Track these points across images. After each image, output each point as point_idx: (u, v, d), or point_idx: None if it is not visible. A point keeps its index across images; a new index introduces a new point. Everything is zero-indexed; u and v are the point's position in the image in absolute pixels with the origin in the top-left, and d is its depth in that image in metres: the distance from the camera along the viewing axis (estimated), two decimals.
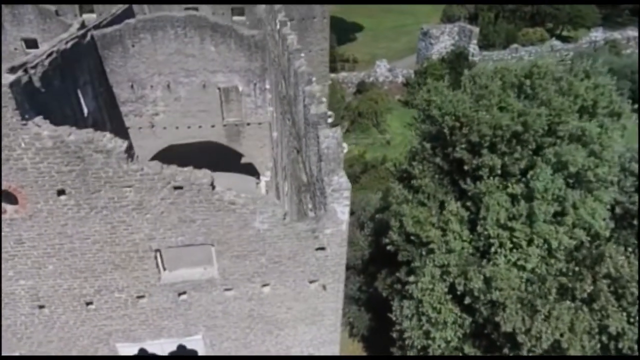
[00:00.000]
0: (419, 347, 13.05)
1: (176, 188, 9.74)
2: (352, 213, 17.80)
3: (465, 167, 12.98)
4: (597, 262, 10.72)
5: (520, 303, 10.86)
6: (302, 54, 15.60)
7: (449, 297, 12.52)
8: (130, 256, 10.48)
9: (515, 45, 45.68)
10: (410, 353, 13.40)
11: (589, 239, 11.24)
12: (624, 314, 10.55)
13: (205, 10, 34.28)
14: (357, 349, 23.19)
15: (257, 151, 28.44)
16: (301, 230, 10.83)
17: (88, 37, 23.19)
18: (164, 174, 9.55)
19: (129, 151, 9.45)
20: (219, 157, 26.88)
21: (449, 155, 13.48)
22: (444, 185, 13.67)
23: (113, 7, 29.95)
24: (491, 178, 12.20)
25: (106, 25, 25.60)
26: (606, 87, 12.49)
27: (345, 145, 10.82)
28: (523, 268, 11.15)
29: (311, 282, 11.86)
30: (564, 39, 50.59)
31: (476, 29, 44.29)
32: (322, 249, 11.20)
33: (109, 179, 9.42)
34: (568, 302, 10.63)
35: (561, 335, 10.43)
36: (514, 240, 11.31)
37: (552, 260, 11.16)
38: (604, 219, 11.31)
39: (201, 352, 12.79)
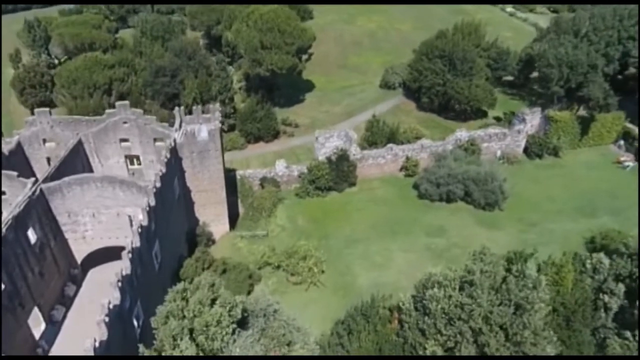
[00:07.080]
0: None
1: None
2: None
3: None
4: None
5: None
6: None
7: None
8: None
9: (390, 145, 57.78)
10: None
11: None
12: None
13: (134, 137, 48.56)
14: None
15: None
16: None
17: (37, 191, 37.74)
18: None
19: None
20: None
21: None
22: None
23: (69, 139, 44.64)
24: None
25: (55, 172, 40.23)
26: None
27: None
28: None
29: None
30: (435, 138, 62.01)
31: (355, 135, 56.36)
32: None
33: None
34: None
35: None
36: None
37: None
38: None
39: None
